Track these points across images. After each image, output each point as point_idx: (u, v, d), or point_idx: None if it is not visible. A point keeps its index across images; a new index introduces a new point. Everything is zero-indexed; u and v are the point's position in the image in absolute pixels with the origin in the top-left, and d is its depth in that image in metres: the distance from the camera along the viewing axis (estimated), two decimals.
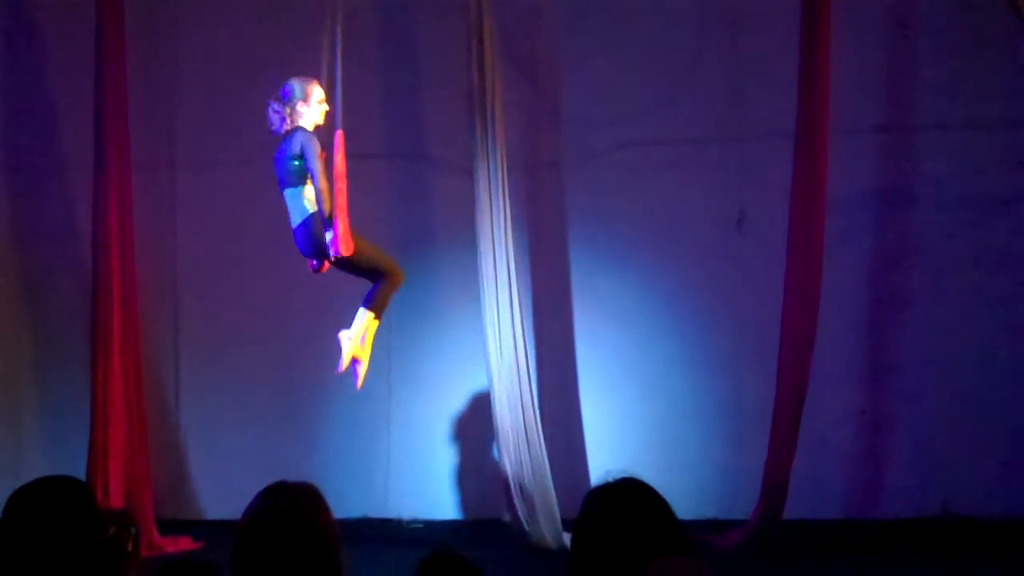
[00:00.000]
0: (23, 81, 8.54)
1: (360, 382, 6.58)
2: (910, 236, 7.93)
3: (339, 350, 6.47)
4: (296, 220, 6.39)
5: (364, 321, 6.47)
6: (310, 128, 6.40)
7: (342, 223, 6.21)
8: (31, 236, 8.52)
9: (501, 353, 7.45)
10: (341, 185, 6.29)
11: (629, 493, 2.59)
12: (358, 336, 6.46)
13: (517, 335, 7.45)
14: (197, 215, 8.42)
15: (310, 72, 6.52)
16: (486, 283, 7.44)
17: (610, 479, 2.62)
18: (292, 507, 2.62)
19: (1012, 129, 7.83)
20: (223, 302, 8.39)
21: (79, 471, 7.51)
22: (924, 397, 7.84)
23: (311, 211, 6.33)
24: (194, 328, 8.44)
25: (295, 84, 6.41)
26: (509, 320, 7.44)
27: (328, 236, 6.23)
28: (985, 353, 7.77)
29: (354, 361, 6.52)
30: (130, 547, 3.83)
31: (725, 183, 8.07)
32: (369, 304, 6.48)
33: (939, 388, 7.81)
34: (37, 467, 7.85)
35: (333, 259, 6.29)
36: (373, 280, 6.55)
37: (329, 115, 6.45)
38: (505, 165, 7.47)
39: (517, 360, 7.44)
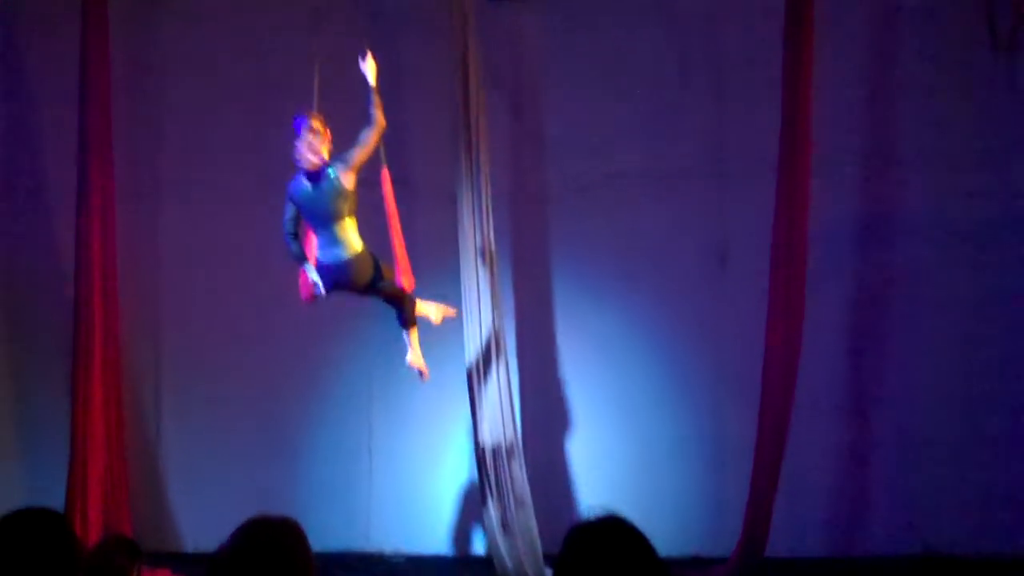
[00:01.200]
0: (7, 106, 8.52)
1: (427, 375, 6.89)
2: (891, 271, 7.94)
3: (415, 372, 6.82)
4: (344, 255, 6.32)
5: (411, 336, 6.75)
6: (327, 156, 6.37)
7: (404, 260, 6.41)
8: (13, 261, 8.46)
9: (484, 384, 7.42)
10: (395, 223, 6.36)
11: (611, 530, 2.57)
12: (417, 349, 6.77)
13: (500, 366, 7.44)
14: (181, 244, 8.38)
15: (300, 104, 6.52)
16: (469, 313, 7.42)
17: (592, 516, 2.60)
18: (271, 542, 2.60)
19: (994, 165, 7.86)
20: (205, 332, 8.35)
21: (58, 500, 7.47)
22: (905, 435, 7.83)
23: (361, 247, 6.34)
24: (176, 358, 8.40)
25: (315, 118, 6.34)
26: (492, 351, 7.42)
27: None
28: (965, 391, 7.78)
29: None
30: None
31: (709, 216, 8.08)
32: (406, 324, 6.71)
33: (920, 426, 7.80)
34: (15, 496, 7.80)
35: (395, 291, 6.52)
36: (389, 302, 6.62)
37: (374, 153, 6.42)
38: (490, 193, 7.47)
39: (500, 391, 7.42)
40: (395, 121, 8.21)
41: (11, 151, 8.51)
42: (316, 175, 6.28)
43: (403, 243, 6.48)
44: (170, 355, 8.41)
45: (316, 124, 6.28)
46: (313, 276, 6.42)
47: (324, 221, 6.31)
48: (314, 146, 6.26)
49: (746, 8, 8.01)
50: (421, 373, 6.79)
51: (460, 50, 7.41)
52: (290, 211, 6.40)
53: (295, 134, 6.30)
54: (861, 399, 7.93)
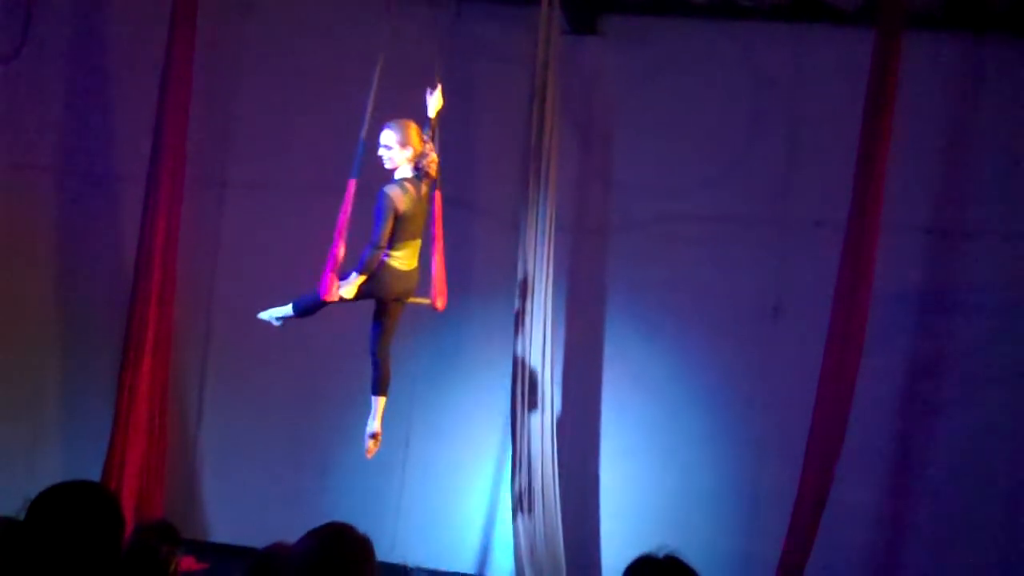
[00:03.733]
0: (87, 86, 8.64)
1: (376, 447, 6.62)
2: (948, 342, 7.84)
3: (367, 437, 6.57)
4: (410, 267, 6.22)
5: (380, 404, 6.52)
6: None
7: (442, 279, 6.30)
8: (76, 236, 8.57)
9: (526, 410, 7.40)
10: (440, 243, 6.33)
11: (672, 570, 2.55)
12: (379, 419, 6.52)
13: (544, 393, 7.41)
14: (241, 237, 8.46)
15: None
16: (520, 339, 7.40)
17: (659, 554, 2.58)
18: (357, 555, 2.65)
19: None
20: (255, 327, 8.35)
21: (93, 476, 7.51)
22: (948, 506, 7.71)
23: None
24: (224, 350, 8.45)
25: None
26: (538, 378, 7.40)
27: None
28: (1013, 466, 7.66)
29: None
30: (173, 568, 3.84)
31: (766, 267, 8.05)
32: (378, 390, 6.51)
33: (964, 498, 7.68)
34: (52, 468, 7.89)
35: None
36: (381, 333, 6.45)
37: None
38: (553, 225, 7.46)
39: (541, 419, 7.39)
40: (463, 143, 8.29)
41: (87, 130, 8.60)
42: (419, 184, 6.16)
43: (443, 263, 6.40)
44: (219, 347, 8.48)
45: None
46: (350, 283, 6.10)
47: (414, 234, 6.16)
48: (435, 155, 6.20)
49: (828, 66, 7.98)
50: (375, 440, 6.47)
51: (540, 80, 7.39)
52: (390, 223, 6.01)
53: (415, 140, 6.14)
54: (906, 469, 7.81)
